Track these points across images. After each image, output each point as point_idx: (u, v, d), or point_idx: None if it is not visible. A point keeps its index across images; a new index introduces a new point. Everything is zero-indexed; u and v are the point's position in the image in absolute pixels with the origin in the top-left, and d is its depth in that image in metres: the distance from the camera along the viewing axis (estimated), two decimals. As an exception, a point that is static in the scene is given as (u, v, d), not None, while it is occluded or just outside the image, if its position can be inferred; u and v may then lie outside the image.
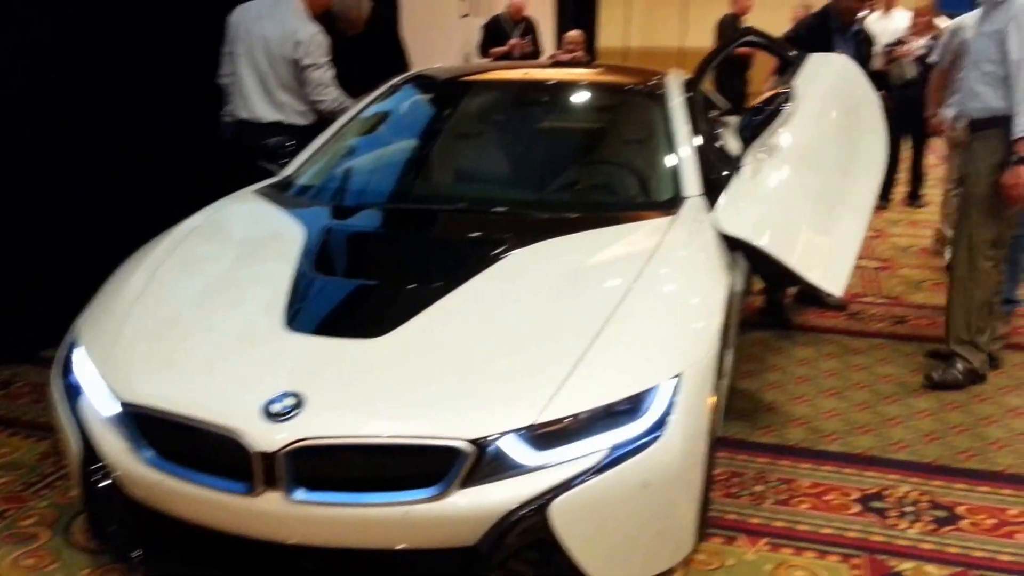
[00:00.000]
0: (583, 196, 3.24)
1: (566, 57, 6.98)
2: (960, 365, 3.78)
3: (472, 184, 3.46)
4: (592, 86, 3.89)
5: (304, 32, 4.07)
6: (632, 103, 3.70)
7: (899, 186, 7.42)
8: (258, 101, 4.20)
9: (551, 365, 2.16)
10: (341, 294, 2.58)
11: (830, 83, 3.57)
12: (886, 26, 7.90)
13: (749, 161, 3.13)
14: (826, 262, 3.02)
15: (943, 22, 8.62)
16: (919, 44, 6.73)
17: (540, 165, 3.41)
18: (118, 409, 2.21)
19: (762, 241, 2.90)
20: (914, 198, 7.46)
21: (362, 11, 4.74)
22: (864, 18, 5.66)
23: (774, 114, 3.15)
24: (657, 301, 2.42)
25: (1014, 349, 4.13)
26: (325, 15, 4.40)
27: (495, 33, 8.00)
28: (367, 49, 4.81)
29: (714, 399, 2.37)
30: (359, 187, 3.35)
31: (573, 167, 3.42)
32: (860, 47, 4.63)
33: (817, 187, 3.19)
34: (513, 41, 7.87)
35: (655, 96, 3.50)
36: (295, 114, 4.20)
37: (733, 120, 3.97)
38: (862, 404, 3.60)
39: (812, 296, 4.85)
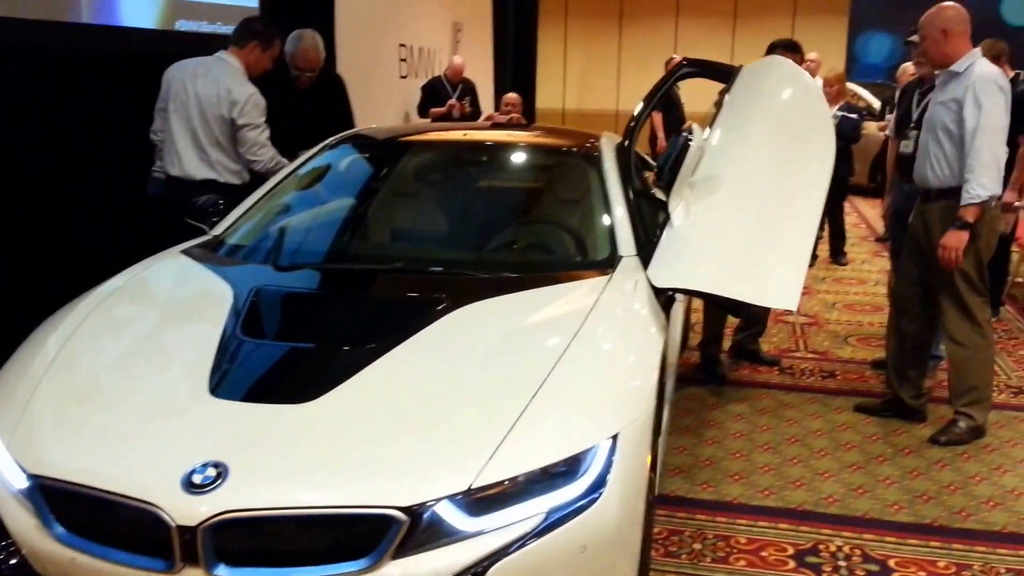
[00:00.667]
0: (520, 256, 3.27)
1: (503, 119, 7.08)
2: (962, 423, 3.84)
3: (409, 244, 3.48)
4: (529, 147, 3.97)
5: (239, 92, 4.07)
6: (568, 164, 3.77)
7: (822, 243, 7.63)
8: (190, 159, 4.17)
9: (487, 428, 2.14)
10: (270, 358, 2.53)
11: (761, 91, 3.47)
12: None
13: (676, 205, 3.18)
14: (775, 282, 2.96)
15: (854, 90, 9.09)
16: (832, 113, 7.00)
17: (477, 225, 3.45)
18: (25, 483, 2.09)
19: (698, 285, 2.95)
20: (838, 255, 7.64)
21: (320, 53, 4.79)
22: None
23: (683, 151, 3.18)
24: (594, 360, 2.44)
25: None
26: (277, 68, 4.44)
27: (434, 94, 8.11)
28: (318, 102, 4.83)
29: (651, 458, 2.38)
30: (292, 247, 3.33)
31: (510, 227, 3.46)
32: None
33: (754, 207, 3.13)
34: (452, 102, 7.97)
35: (590, 158, 3.57)
36: (228, 172, 4.18)
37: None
38: (795, 458, 3.66)
39: (748, 351, 4.98)
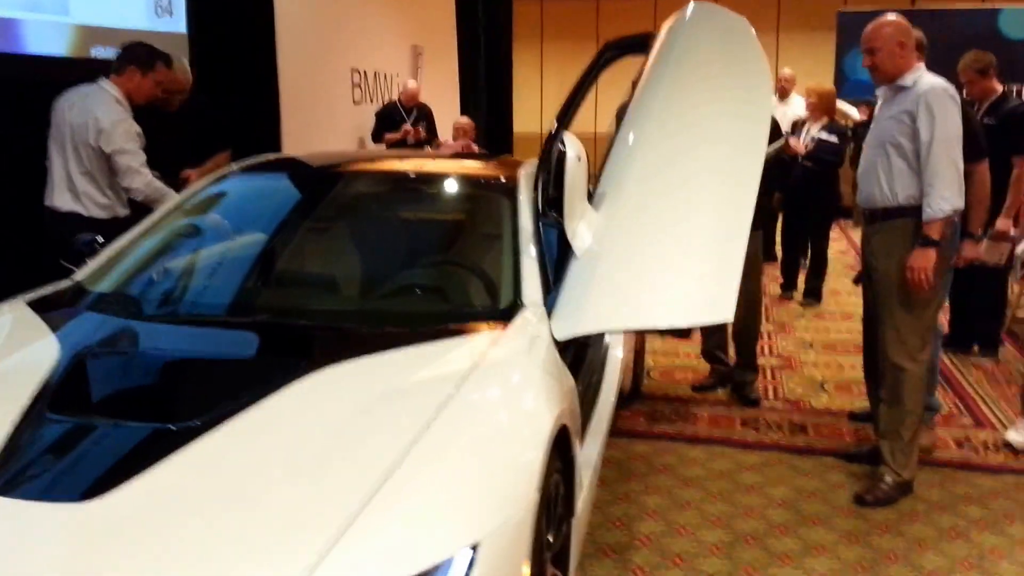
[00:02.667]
0: (408, 305, 2.76)
1: (457, 146, 6.62)
2: (889, 479, 3.43)
3: (285, 291, 2.96)
4: (443, 178, 3.45)
5: (106, 119, 3.84)
6: (481, 198, 3.27)
7: (802, 271, 7.10)
8: (60, 190, 3.92)
9: (307, 539, 1.66)
10: (64, 441, 2.04)
11: (670, 54, 2.92)
12: (784, 112, 7.77)
13: (575, 230, 2.66)
14: (703, 294, 2.44)
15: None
16: (812, 134, 6.54)
17: (369, 267, 2.95)
18: None
19: (608, 324, 2.52)
20: (813, 294, 6.82)
21: (188, 75, 4.60)
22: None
23: (559, 165, 2.63)
24: (457, 446, 1.92)
25: (934, 465, 3.72)
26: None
27: (389, 120, 7.67)
28: (191, 127, 4.54)
29: (529, 568, 1.86)
30: (151, 296, 2.83)
31: (405, 270, 2.96)
32: None
33: (668, 211, 2.63)
34: (406, 127, 7.52)
35: (506, 190, 3.07)
36: (95, 206, 3.88)
37: None
38: (751, 536, 3.12)
39: (738, 389, 4.60)
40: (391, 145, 7.50)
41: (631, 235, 2.63)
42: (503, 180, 3.15)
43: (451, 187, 3.36)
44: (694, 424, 4.24)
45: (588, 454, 2.89)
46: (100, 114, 3.84)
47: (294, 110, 6.30)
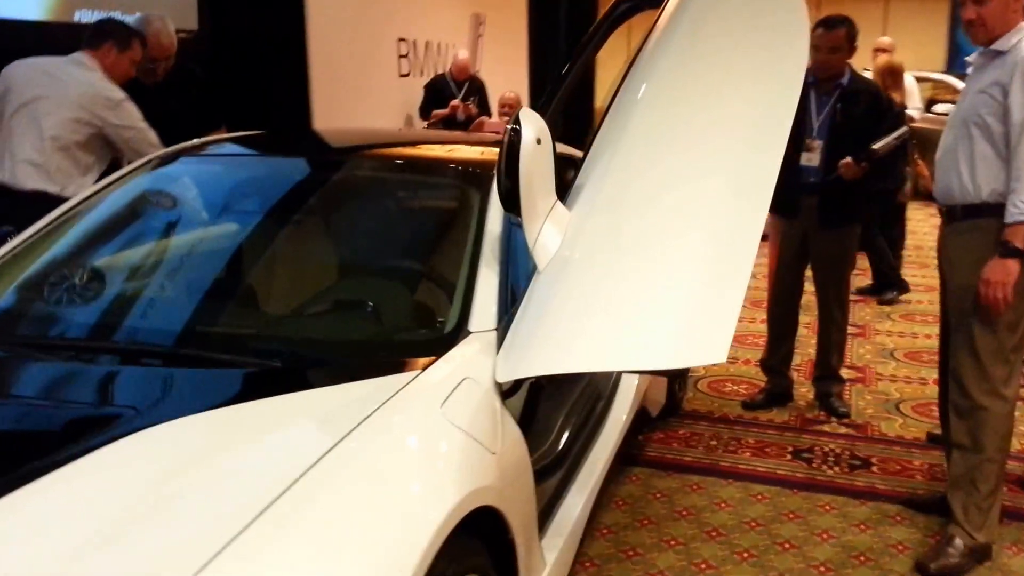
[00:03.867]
0: (310, 331, 2.21)
1: (501, 124, 6.04)
2: (959, 542, 2.76)
3: (167, 310, 2.38)
4: (401, 167, 2.85)
5: (115, 93, 3.53)
6: (446, 192, 2.71)
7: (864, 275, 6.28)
8: (23, 166, 3.50)
9: None
10: None
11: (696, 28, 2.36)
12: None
13: (537, 234, 2.10)
14: (693, 333, 1.85)
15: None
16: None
17: (272, 281, 2.43)
18: None
19: (568, 366, 1.96)
20: (885, 289, 6.10)
21: (172, 39, 4.12)
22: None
23: (511, 150, 2.02)
24: (294, 548, 1.39)
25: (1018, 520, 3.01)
26: None
27: (438, 94, 7.16)
28: (175, 99, 4.10)
29: None
30: (12, 314, 2.31)
31: (325, 285, 2.42)
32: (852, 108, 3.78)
33: (662, 220, 2.07)
34: (455, 103, 6.99)
35: (477, 183, 2.50)
36: (70, 185, 3.46)
37: None
38: (775, 616, 2.52)
39: (824, 402, 4.03)
40: (438, 122, 6.99)
41: (607, 248, 2.05)
42: (475, 171, 2.58)
43: (409, 178, 2.79)
44: (735, 452, 3.61)
45: (565, 517, 2.34)
46: (101, 86, 3.50)
47: (326, 82, 5.84)
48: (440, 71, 7.65)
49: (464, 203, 2.47)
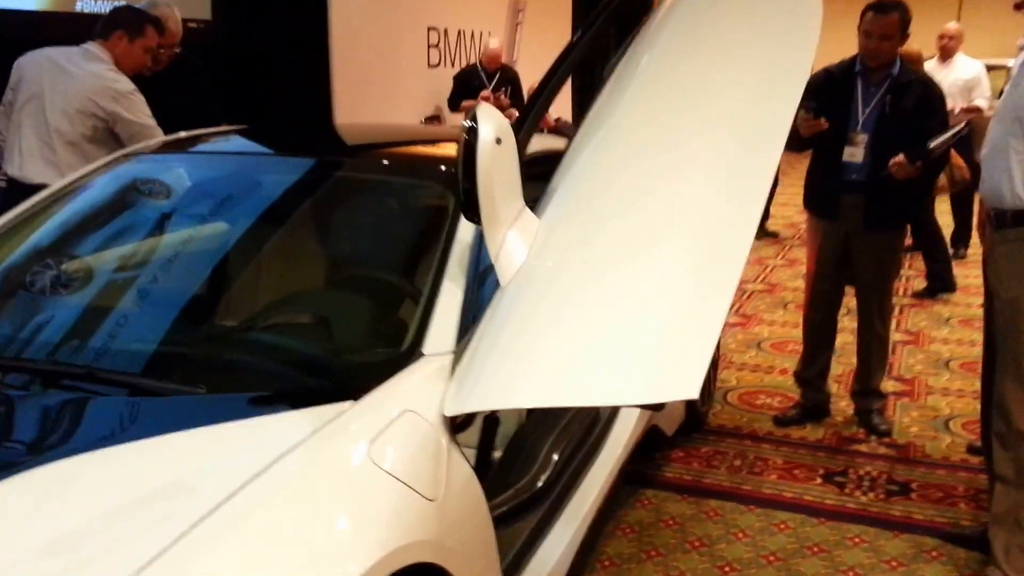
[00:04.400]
0: (245, 352, 1.98)
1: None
2: None
3: (87, 326, 2.13)
4: (374, 164, 2.60)
5: (123, 85, 3.40)
6: (414, 195, 2.44)
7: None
8: (33, 160, 3.43)
9: None
10: None
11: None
12: (946, 76, 6.41)
13: (500, 245, 1.85)
14: (663, 368, 1.58)
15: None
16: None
17: (212, 296, 2.20)
18: None
19: (514, 400, 1.71)
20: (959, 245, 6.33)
21: (179, 24, 3.95)
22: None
23: (467, 153, 1.78)
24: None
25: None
26: None
27: (468, 85, 6.92)
28: (175, 90, 3.92)
29: None
30: None
31: (268, 300, 2.19)
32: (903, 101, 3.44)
33: (636, 236, 1.81)
34: (485, 94, 6.74)
35: (451, 181, 2.23)
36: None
37: None
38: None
39: (863, 418, 3.70)
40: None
41: (573, 262, 1.80)
42: (449, 170, 2.32)
43: (375, 178, 2.51)
44: (760, 474, 3.30)
45: (546, 558, 2.08)
46: (107, 78, 3.38)
47: (349, 74, 5.65)
48: (473, 61, 7.41)
49: (434, 206, 2.23)
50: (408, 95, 6.81)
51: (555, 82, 2.45)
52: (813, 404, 3.79)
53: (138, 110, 3.37)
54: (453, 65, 7.42)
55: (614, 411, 2.78)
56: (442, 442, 1.63)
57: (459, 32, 7.53)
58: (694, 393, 1.51)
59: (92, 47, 3.45)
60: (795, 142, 3.62)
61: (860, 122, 3.51)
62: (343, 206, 2.45)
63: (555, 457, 2.36)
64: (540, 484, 2.24)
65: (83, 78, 3.36)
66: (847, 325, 3.87)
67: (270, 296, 2.19)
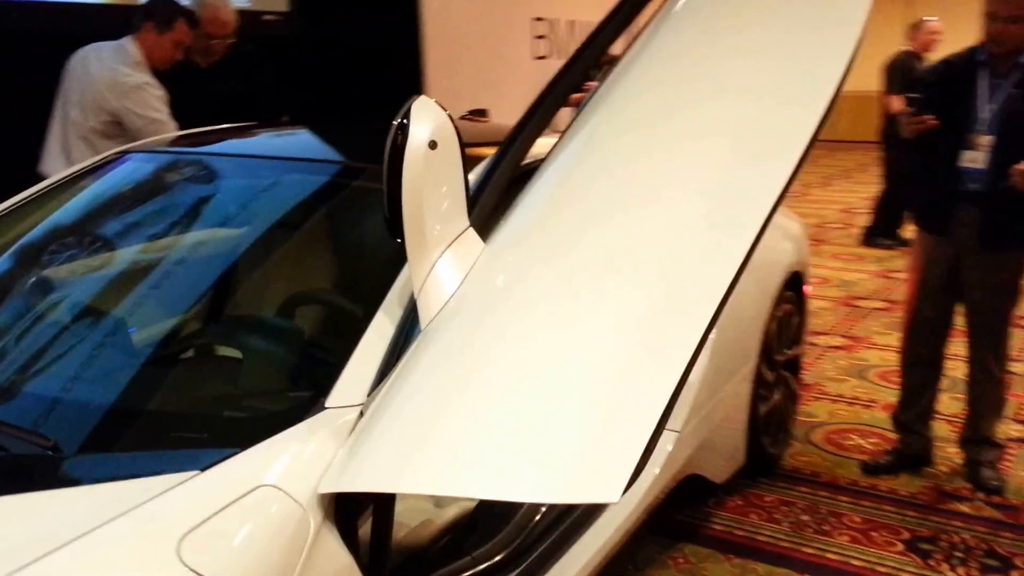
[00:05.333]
0: (115, 400, 1.69)
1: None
2: None
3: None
4: (318, 170, 2.27)
5: (134, 79, 3.34)
6: (357, 209, 2.14)
7: None
8: (53, 155, 3.44)
9: None
10: None
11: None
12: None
13: (424, 274, 1.54)
14: (585, 463, 1.24)
15: None
16: None
17: (103, 325, 1.92)
18: None
19: (400, 485, 1.38)
20: None
21: (232, 14, 3.82)
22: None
23: (395, 150, 1.48)
24: None
25: None
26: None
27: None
28: (229, 81, 3.80)
29: None
30: None
31: (165, 330, 1.90)
32: None
33: (583, 288, 1.45)
34: (590, 85, 6.35)
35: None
36: None
37: None
38: None
39: (971, 470, 3.16)
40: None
41: (500, 306, 1.46)
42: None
43: (319, 189, 2.20)
44: (828, 534, 2.83)
45: None
46: (119, 71, 3.33)
47: (443, 67, 5.42)
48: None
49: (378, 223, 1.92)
50: (510, 91, 6.50)
51: (565, 82, 2.10)
52: (911, 451, 3.25)
53: (147, 105, 3.30)
54: (559, 57, 7.07)
55: None
56: (310, 527, 1.33)
57: (570, 23, 7.16)
58: (615, 497, 1.17)
59: (125, 41, 3.41)
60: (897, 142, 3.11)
61: (985, 121, 2.95)
62: (298, 219, 2.18)
63: (536, 516, 2.02)
64: (508, 551, 1.91)
65: (99, 73, 3.33)
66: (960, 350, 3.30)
67: (185, 324, 1.94)
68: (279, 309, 1.91)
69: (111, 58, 3.35)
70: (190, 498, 1.28)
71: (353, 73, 4.98)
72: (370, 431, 1.38)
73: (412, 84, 5.41)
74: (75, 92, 3.38)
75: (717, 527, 2.87)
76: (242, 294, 1.96)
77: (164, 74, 3.48)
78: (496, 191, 1.72)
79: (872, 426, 3.62)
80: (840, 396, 3.93)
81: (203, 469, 1.33)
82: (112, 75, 3.30)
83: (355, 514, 1.45)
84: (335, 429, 1.45)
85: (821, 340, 4.70)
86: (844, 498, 3.05)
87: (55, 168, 3.30)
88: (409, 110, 1.52)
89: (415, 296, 1.52)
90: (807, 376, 4.15)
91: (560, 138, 1.74)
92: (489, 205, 1.68)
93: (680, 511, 2.87)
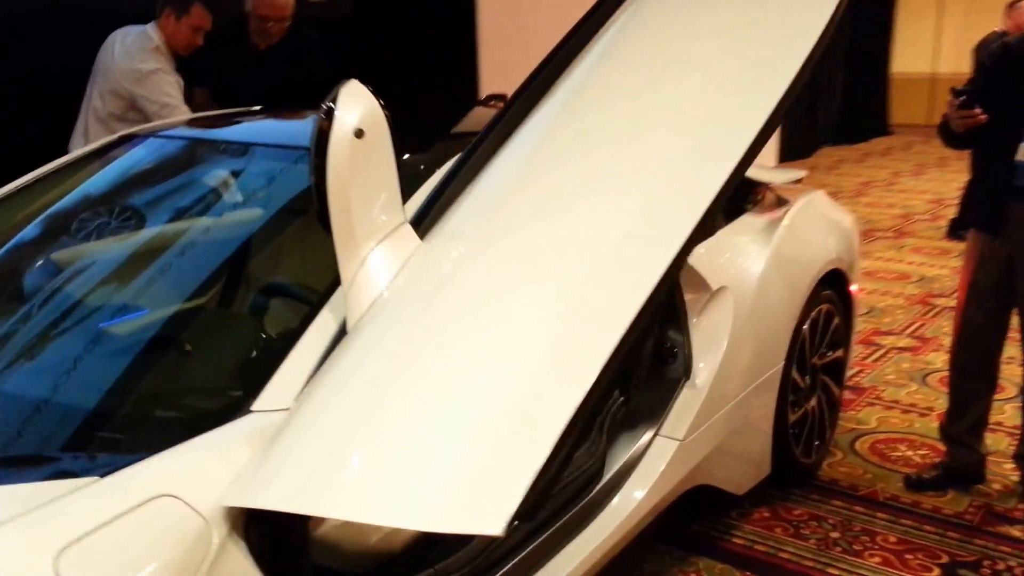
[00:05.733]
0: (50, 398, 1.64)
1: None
2: None
3: None
4: (281, 157, 2.23)
5: (147, 66, 3.41)
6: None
7: None
8: (77, 138, 3.54)
9: None
10: None
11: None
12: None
13: (353, 269, 1.45)
14: (469, 490, 1.19)
15: None
16: None
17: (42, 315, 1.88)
18: None
19: (295, 504, 1.27)
20: None
21: None
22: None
23: (321, 138, 1.40)
24: None
25: None
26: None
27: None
28: (283, 65, 3.78)
29: None
30: None
31: (98, 325, 1.83)
32: None
33: (499, 292, 1.39)
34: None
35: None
36: None
37: None
38: None
39: None
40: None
41: (414, 318, 1.37)
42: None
43: (282, 175, 2.12)
44: (859, 555, 2.63)
45: None
46: (134, 56, 3.41)
47: (497, 55, 5.29)
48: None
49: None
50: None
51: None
52: (960, 466, 3.01)
53: (159, 91, 3.35)
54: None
55: (634, 461, 2.27)
56: (211, 543, 1.26)
57: None
58: (497, 530, 1.07)
59: (148, 27, 3.47)
60: (950, 137, 2.86)
61: None
62: (267, 205, 2.12)
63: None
64: (474, 564, 1.81)
65: (119, 58, 3.40)
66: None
67: (137, 314, 1.88)
68: (242, 302, 1.85)
69: (133, 43, 3.41)
70: (80, 507, 1.23)
71: (405, 58, 4.92)
72: (278, 442, 1.31)
73: (466, 70, 5.32)
74: (100, 75, 3.46)
75: (737, 540, 2.71)
76: (206, 285, 1.91)
77: (222, 57, 3.56)
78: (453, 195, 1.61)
79: (925, 436, 3.37)
80: (895, 402, 3.69)
81: (104, 475, 1.27)
82: (129, 62, 3.37)
83: (289, 527, 1.37)
84: (253, 435, 1.38)
85: (888, 340, 4.44)
86: (881, 515, 2.84)
87: (76, 148, 3.36)
88: (336, 95, 1.43)
89: (344, 293, 1.44)
90: (863, 379, 3.91)
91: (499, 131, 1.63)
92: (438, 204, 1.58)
93: (697, 521, 2.72)
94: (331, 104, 1.43)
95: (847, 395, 3.70)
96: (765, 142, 1.33)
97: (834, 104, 11.14)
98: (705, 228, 1.24)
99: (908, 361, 4.15)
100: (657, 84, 1.48)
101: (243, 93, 3.39)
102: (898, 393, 3.77)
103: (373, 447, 1.21)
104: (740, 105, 1.33)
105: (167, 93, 3.36)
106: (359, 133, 1.41)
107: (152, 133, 2.55)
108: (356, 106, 1.42)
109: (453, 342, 1.28)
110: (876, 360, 4.16)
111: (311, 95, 3.44)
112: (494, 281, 1.34)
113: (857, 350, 4.26)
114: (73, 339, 1.75)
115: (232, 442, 1.37)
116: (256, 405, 1.44)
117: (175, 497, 1.27)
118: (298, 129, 2.54)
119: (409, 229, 1.49)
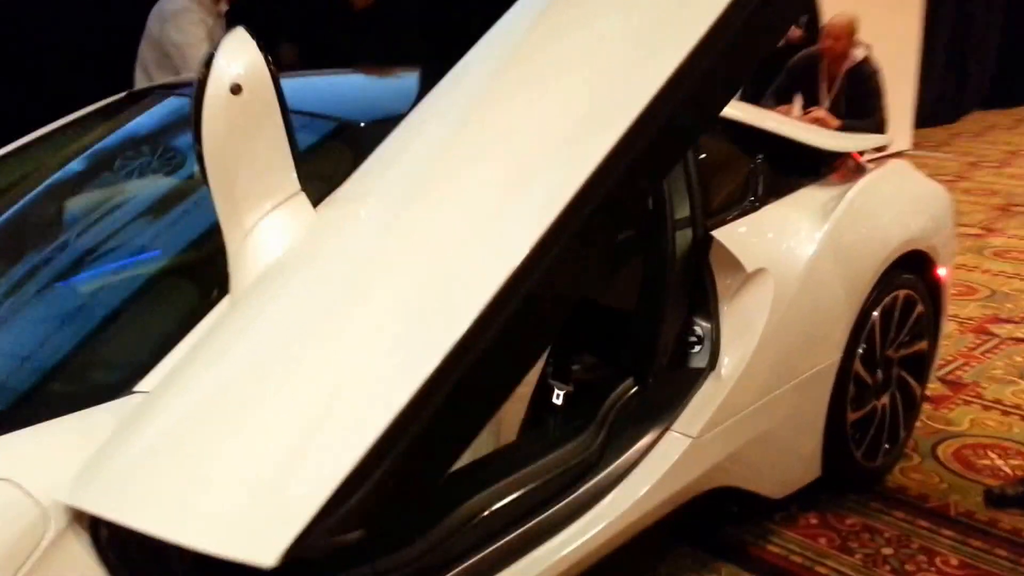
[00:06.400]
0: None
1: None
2: None
3: None
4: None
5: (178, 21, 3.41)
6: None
7: None
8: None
9: None
10: None
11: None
12: None
13: (236, 239, 1.33)
14: (245, 512, 1.03)
15: None
16: None
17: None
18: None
19: (118, 513, 1.12)
20: None
21: None
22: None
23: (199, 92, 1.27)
24: None
25: None
26: None
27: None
28: (375, 28, 3.70)
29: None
30: None
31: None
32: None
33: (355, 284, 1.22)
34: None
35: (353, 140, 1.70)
36: None
37: None
38: None
39: None
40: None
41: (276, 307, 1.21)
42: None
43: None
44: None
45: None
46: (169, 16, 3.42)
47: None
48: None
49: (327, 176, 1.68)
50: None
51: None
52: (1050, 484, 2.62)
53: (181, 29, 3.33)
54: None
55: (641, 456, 2.04)
56: (46, 534, 1.14)
57: None
58: (269, 562, 0.90)
59: None
60: None
61: None
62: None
63: (487, 511, 1.75)
64: (418, 564, 1.65)
65: (155, 21, 3.43)
66: None
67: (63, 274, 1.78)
68: (187, 271, 1.73)
69: (166, 6, 3.41)
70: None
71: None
72: (116, 433, 1.17)
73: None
74: (144, 42, 3.49)
75: (773, 548, 2.44)
76: (154, 247, 1.81)
77: (319, 17, 3.54)
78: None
79: (1021, 443, 2.96)
80: (996, 402, 3.26)
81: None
82: (159, 7, 3.38)
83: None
84: (121, 419, 1.25)
85: (1004, 330, 3.96)
86: (948, 532, 2.50)
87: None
88: (216, 48, 1.26)
89: (228, 268, 1.29)
90: (966, 373, 3.49)
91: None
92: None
93: (728, 524, 2.47)
94: (212, 53, 1.26)
95: (940, 391, 3.31)
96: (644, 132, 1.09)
97: (988, 61, 10.08)
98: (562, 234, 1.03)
99: (1022, 354, 3.67)
100: (551, 47, 1.27)
101: (333, 53, 3.32)
102: (1002, 391, 3.33)
103: (183, 451, 1.06)
104: (636, 62, 1.09)
105: (188, 32, 3.32)
106: (236, 89, 1.24)
107: (174, 87, 2.45)
108: (235, 59, 1.25)
109: (310, 336, 1.11)
110: (986, 352, 3.71)
111: (403, 60, 3.36)
112: (366, 262, 1.16)
113: (968, 339, 3.83)
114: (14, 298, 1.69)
115: (97, 426, 1.25)
116: (142, 385, 1.32)
117: (8, 481, 1.16)
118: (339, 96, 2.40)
119: (303, 200, 1.32)
